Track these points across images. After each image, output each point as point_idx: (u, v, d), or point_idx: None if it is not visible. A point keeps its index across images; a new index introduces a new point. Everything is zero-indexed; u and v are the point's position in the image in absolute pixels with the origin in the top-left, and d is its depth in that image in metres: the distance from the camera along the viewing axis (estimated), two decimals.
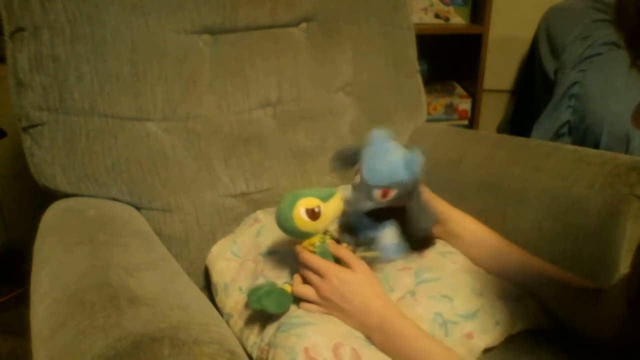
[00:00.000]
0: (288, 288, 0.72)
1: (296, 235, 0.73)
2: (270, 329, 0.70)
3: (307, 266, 0.71)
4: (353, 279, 0.69)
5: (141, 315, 0.53)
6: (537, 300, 0.75)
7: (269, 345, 0.68)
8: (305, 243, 0.73)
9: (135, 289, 0.58)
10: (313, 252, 0.72)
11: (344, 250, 0.73)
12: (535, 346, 0.71)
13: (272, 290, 0.71)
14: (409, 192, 0.74)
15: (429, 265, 0.77)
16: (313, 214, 0.70)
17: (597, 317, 0.68)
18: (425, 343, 0.63)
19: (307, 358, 0.62)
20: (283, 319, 0.69)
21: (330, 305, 0.69)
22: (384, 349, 0.65)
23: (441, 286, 0.73)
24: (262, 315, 0.72)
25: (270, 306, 0.69)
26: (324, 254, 0.72)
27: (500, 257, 0.78)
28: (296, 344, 0.63)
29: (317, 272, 0.70)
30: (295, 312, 0.70)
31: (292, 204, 0.71)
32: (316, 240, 0.73)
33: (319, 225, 0.71)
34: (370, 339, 0.67)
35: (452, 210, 0.82)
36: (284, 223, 0.72)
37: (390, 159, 0.73)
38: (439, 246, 0.82)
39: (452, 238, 0.82)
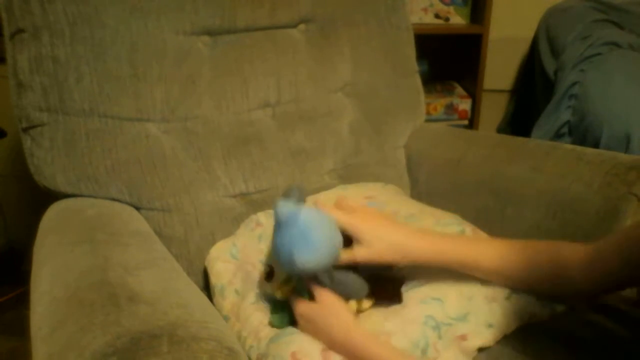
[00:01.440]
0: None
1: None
2: (266, 336, 0.70)
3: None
4: (311, 312, 0.69)
5: (140, 313, 0.53)
6: (531, 294, 0.75)
7: (262, 355, 0.69)
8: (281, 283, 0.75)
9: (135, 287, 0.59)
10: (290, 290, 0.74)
11: (310, 283, 0.71)
12: (531, 342, 0.71)
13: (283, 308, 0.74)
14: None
15: (415, 270, 0.76)
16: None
17: (591, 275, 0.66)
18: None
19: None
20: (276, 331, 0.71)
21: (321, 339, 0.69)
22: None
23: (430, 290, 0.72)
24: (260, 320, 0.73)
25: (275, 320, 0.73)
26: (300, 290, 0.72)
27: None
28: (284, 350, 0.64)
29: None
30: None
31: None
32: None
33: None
34: None
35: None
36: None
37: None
38: None
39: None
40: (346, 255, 0.70)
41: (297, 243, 0.64)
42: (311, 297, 0.70)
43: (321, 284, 0.69)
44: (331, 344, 0.66)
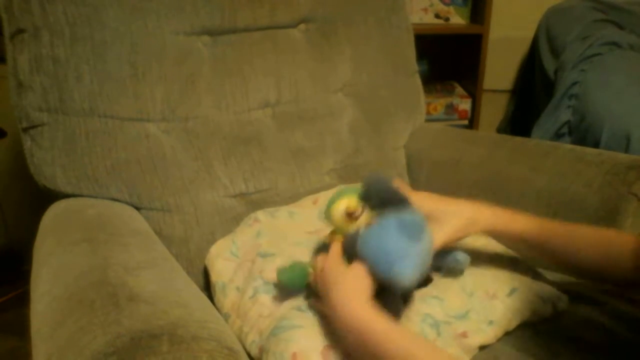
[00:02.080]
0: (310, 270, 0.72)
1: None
2: (267, 329, 0.70)
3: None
4: (338, 270, 0.66)
5: (140, 313, 0.53)
6: (533, 291, 0.75)
7: (262, 349, 0.68)
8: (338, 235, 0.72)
9: (135, 287, 0.58)
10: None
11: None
12: (533, 339, 0.71)
13: (295, 266, 0.72)
14: None
15: None
16: (350, 216, 0.69)
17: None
18: (406, 343, 0.57)
19: None
20: (276, 322, 0.69)
21: (321, 295, 0.67)
22: (358, 351, 0.60)
23: (430, 288, 0.73)
24: (260, 313, 0.73)
25: (282, 277, 0.70)
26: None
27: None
28: (285, 350, 0.63)
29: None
30: (287, 314, 0.70)
31: (334, 200, 0.70)
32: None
33: (351, 226, 0.70)
34: (345, 340, 0.62)
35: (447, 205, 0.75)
36: (324, 213, 0.72)
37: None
38: None
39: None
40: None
41: (413, 258, 0.62)
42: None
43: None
44: (335, 308, 0.63)
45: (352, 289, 0.63)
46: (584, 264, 0.70)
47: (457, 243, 0.75)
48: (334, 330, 0.64)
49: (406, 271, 0.61)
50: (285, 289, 0.74)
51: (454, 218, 0.71)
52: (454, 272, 0.76)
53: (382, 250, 0.63)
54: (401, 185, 0.71)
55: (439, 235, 0.70)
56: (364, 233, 0.66)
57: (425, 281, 0.73)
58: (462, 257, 0.75)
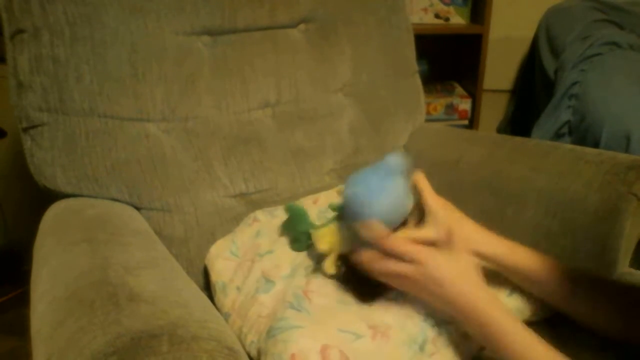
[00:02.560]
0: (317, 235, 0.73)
1: None
2: (265, 329, 0.70)
3: (391, 254, 0.66)
4: (450, 265, 0.65)
5: (140, 313, 0.53)
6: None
7: (260, 351, 0.68)
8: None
9: (135, 287, 0.58)
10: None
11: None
12: None
13: (300, 226, 0.76)
14: None
15: None
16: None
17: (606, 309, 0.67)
18: (526, 339, 0.59)
19: None
20: (272, 323, 0.69)
21: (419, 291, 0.66)
22: (481, 341, 0.63)
23: None
24: (259, 313, 0.73)
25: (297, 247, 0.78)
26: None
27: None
28: (283, 351, 0.63)
29: (405, 258, 0.65)
30: (283, 314, 0.69)
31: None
32: None
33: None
34: (465, 328, 0.65)
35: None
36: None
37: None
38: None
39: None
40: (410, 233, 0.70)
41: (389, 190, 0.67)
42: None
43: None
44: (449, 298, 0.64)
45: (467, 282, 0.64)
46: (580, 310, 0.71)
47: None
48: (336, 328, 0.65)
49: (383, 201, 0.66)
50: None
51: (446, 229, 0.71)
52: None
53: (361, 187, 0.69)
54: (420, 180, 0.73)
55: (428, 233, 0.70)
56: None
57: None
58: None
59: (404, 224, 0.72)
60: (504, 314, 0.62)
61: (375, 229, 0.67)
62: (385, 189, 0.67)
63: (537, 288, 0.73)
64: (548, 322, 0.75)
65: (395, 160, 0.68)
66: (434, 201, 0.71)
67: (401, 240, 0.66)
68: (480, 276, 0.66)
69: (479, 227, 0.73)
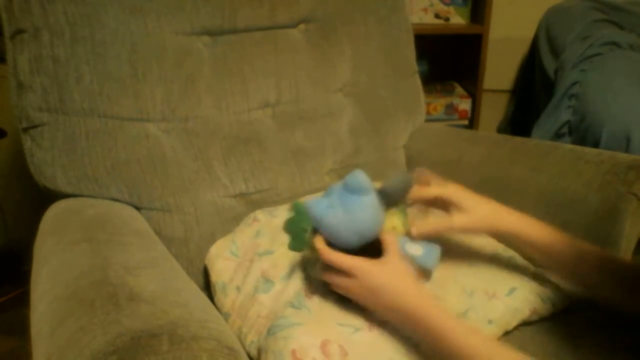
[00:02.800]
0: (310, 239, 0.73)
1: None
2: (264, 327, 0.70)
3: (331, 267, 0.68)
4: (380, 272, 0.66)
5: (140, 312, 0.53)
6: (532, 291, 0.75)
7: (260, 349, 0.68)
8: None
9: (135, 286, 0.59)
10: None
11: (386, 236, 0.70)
12: (532, 339, 0.71)
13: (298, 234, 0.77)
14: None
15: None
16: None
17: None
18: (466, 335, 0.60)
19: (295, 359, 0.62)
20: (273, 322, 0.70)
21: (364, 301, 0.67)
22: (428, 346, 0.63)
23: (431, 286, 0.73)
24: (258, 313, 0.73)
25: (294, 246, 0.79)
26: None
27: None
28: (284, 348, 0.63)
29: (343, 272, 0.67)
30: (283, 312, 0.70)
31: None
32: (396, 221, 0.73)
33: None
34: (413, 336, 0.65)
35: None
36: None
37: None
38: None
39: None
40: (444, 223, 0.73)
41: (347, 208, 0.66)
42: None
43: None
44: (392, 307, 0.64)
45: (400, 286, 0.65)
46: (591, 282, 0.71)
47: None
48: (335, 323, 0.66)
49: (331, 221, 0.66)
50: None
51: (480, 209, 0.74)
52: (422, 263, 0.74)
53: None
54: (423, 176, 0.74)
55: (461, 219, 0.73)
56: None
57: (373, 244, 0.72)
58: (430, 255, 0.74)
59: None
60: (440, 310, 0.63)
61: (319, 245, 0.68)
62: (337, 206, 0.67)
63: (554, 262, 0.74)
64: (547, 322, 0.75)
65: (355, 180, 0.66)
66: (449, 190, 0.73)
67: (338, 256, 0.67)
68: (412, 277, 0.67)
69: (497, 205, 0.75)
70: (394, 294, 0.64)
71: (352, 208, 0.66)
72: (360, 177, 0.66)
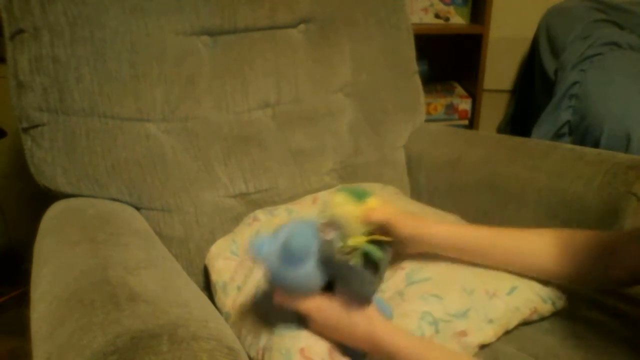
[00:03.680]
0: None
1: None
2: (266, 331, 0.70)
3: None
4: (330, 304, 0.65)
5: (140, 312, 0.53)
6: (533, 290, 0.75)
7: (264, 349, 0.68)
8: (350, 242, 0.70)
9: (135, 286, 0.59)
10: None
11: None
12: (532, 338, 0.71)
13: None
14: None
15: (422, 264, 0.77)
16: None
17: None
18: (420, 351, 0.61)
19: (304, 358, 0.62)
20: (278, 326, 0.69)
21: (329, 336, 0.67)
22: None
23: (432, 286, 0.73)
24: (258, 315, 0.73)
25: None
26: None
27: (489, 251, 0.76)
28: (292, 346, 0.63)
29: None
30: (291, 318, 0.70)
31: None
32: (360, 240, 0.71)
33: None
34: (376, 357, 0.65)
35: (420, 228, 0.76)
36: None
37: None
38: None
39: (433, 250, 0.79)
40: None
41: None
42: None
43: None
44: (352, 338, 0.64)
45: (350, 314, 0.64)
46: (587, 269, 0.70)
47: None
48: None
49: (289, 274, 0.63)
50: None
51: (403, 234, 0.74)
52: None
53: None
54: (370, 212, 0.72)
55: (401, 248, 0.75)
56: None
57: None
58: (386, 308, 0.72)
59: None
60: (397, 334, 0.62)
61: (276, 294, 0.67)
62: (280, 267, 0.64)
63: (506, 261, 0.75)
64: (547, 321, 0.75)
65: (289, 249, 0.63)
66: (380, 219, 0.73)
67: (291, 301, 0.67)
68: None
69: (417, 221, 0.76)
70: (345, 327, 0.64)
71: (289, 277, 0.64)
72: (295, 245, 0.63)
